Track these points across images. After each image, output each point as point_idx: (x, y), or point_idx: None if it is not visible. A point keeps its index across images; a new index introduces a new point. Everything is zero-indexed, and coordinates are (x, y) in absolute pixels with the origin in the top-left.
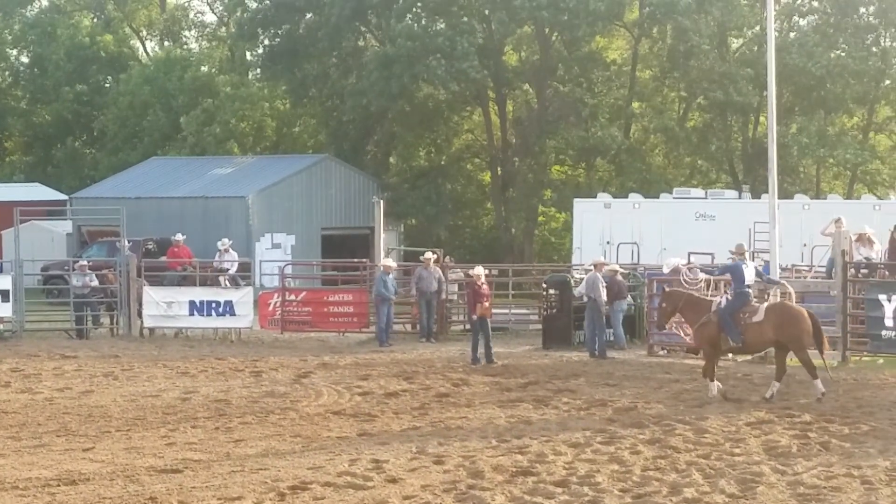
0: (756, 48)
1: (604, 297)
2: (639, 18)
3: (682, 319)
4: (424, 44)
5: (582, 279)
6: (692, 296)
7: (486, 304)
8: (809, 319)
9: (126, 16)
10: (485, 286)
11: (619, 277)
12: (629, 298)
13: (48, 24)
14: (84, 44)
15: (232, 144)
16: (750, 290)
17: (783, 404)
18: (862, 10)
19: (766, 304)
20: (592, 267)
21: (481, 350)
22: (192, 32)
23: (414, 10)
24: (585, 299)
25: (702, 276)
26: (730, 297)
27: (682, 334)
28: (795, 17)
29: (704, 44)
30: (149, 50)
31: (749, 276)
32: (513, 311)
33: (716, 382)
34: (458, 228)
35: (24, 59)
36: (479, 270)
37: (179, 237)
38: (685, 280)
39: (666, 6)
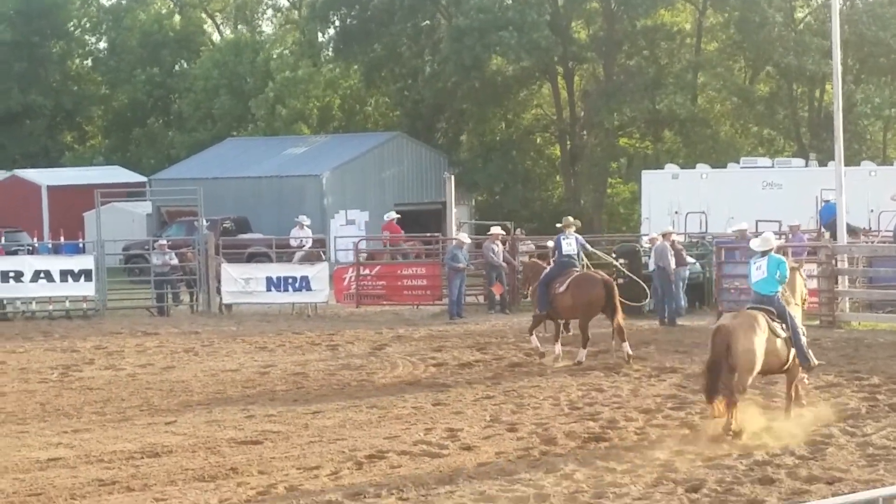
0: (822, 18)
1: (673, 265)
2: None
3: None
4: (496, 16)
5: (650, 248)
6: (543, 268)
7: None
8: (604, 289)
9: (201, 1)
10: None
11: (679, 245)
12: (697, 266)
13: (120, 10)
14: (153, 29)
15: (300, 126)
16: (569, 260)
17: (851, 368)
18: None
19: (574, 275)
20: (660, 237)
21: None
22: (267, 14)
23: None
24: (654, 268)
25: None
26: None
27: None
28: None
29: (778, 16)
30: (223, 33)
31: (567, 247)
32: None
33: (557, 346)
34: (529, 201)
35: (102, 45)
36: None
37: (394, 214)
38: None
39: None
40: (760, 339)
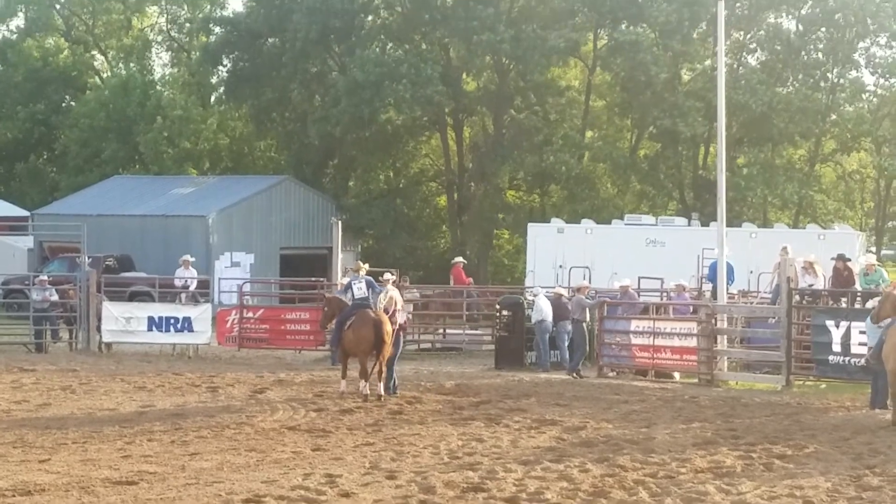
0: (705, 82)
1: (587, 317)
2: (594, 51)
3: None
4: (391, 69)
5: (533, 301)
6: (346, 304)
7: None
8: (373, 329)
9: (94, 38)
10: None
11: (564, 300)
12: None
13: (4, 45)
14: (38, 66)
15: (188, 166)
16: (362, 302)
17: (728, 426)
18: (811, 46)
19: (356, 315)
20: (575, 291)
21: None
22: (161, 55)
23: (379, 37)
24: (540, 321)
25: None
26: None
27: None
28: (744, 54)
29: (663, 73)
30: (116, 70)
31: (359, 291)
32: (466, 331)
33: (362, 383)
34: (414, 249)
35: None
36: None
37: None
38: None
39: (630, 42)
40: None
